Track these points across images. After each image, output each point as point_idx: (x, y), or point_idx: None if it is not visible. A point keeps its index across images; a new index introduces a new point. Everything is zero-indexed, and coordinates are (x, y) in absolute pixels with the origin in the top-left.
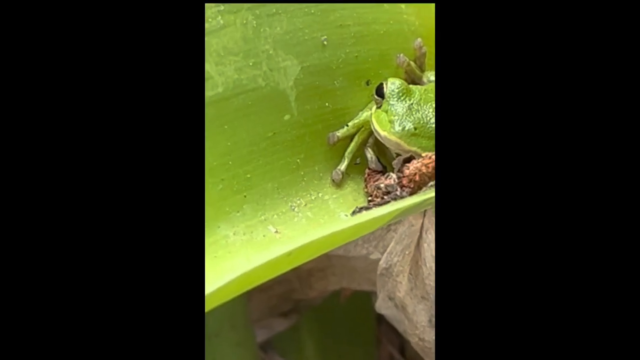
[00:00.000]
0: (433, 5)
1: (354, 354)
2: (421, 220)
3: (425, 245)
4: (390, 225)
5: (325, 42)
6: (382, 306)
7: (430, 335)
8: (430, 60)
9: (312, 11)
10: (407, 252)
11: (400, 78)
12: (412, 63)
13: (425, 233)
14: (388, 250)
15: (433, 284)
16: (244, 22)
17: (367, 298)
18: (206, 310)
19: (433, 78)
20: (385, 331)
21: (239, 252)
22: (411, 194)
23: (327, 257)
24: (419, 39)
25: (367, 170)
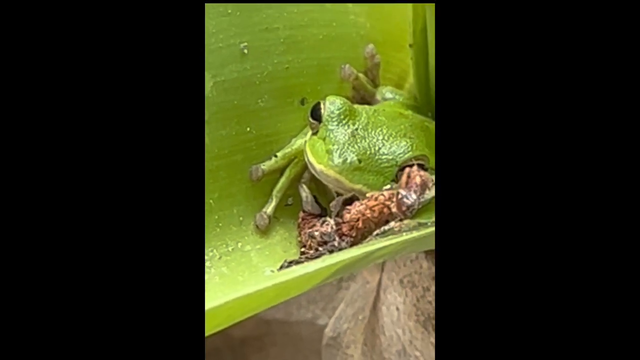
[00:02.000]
0: (388, 4)
1: None
2: (378, 277)
3: (384, 308)
4: (341, 281)
5: (245, 51)
6: None
7: None
8: (386, 72)
9: (229, 11)
10: (360, 317)
11: (346, 96)
12: (361, 76)
13: (384, 293)
14: (336, 314)
15: (393, 357)
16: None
17: None
18: None
19: (389, 95)
20: None
21: None
22: (353, 244)
23: (264, 322)
24: (371, 45)
25: (301, 214)
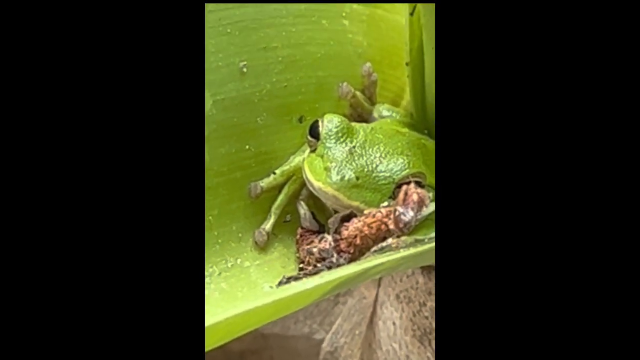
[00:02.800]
0: (389, 19)
1: None
2: (375, 292)
3: (381, 323)
4: (338, 296)
5: (244, 69)
6: None
7: None
8: (383, 89)
9: (228, 30)
10: (357, 332)
11: (343, 113)
12: (358, 94)
13: (381, 307)
14: (333, 329)
15: None
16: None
17: None
18: None
19: (386, 113)
20: None
21: None
22: (351, 260)
23: (261, 336)
24: (368, 64)
25: (299, 230)
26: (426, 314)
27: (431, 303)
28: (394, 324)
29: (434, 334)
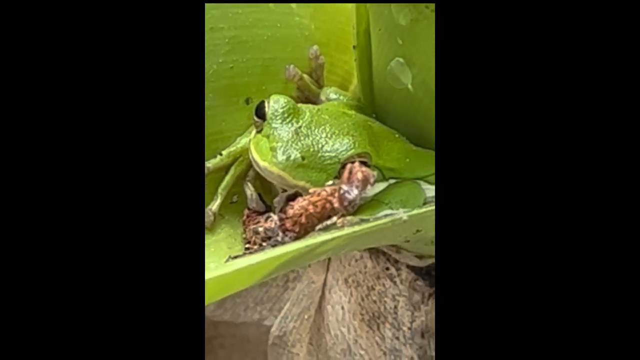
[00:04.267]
0: (332, 5)
1: None
2: (323, 276)
3: (329, 307)
4: (287, 282)
5: None
6: None
7: None
8: (330, 73)
9: None
10: (305, 317)
11: (290, 96)
12: (305, 76)
13: (329, 292)
14: (282, 313)
15: (339, 356)
16: None
17: None
18: None
19: (334, 96)
20: None
21: None
22: (296, 239)
23: (212, 324)
24: (315, 47)
25: (245, 211)
26: (374, 298)
27: (380, 287)
28: (342, 308)
29: (382, 318)
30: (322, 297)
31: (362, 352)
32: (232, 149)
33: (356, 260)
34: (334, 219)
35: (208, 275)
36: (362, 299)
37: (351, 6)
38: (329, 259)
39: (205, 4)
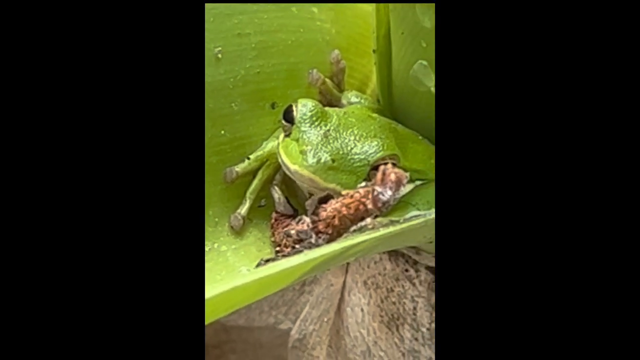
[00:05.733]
0: (356, 7)
1: None
2: (342, 279)
3: (349, 309)
4: (304, 286)
5: (219, 55)
6: None
7: None
8: (350, 77)
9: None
10: (325, 319)
11: (314, 99)
12: (328, 81)
13: (348, 294)
14: (302, 316)
15: (358, 358)
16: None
17: None
18: None
19: (354, 99)
20: None
21: None
22: (329, 241)
23: (224, 329)
24: (337, 51)
25: (274, 214)
26: (394, 299)
27: (399, 289)
28: (361, 310)
29: (401, 320)
30: (341, 299)
31: (382, 354)
32: (259, 153)
33: (375, 263)
34: (367, 220)
35: (243, 280)
36: (381, 301)
37: (371, 10)
38: (348, 262)
39: (233, 9)
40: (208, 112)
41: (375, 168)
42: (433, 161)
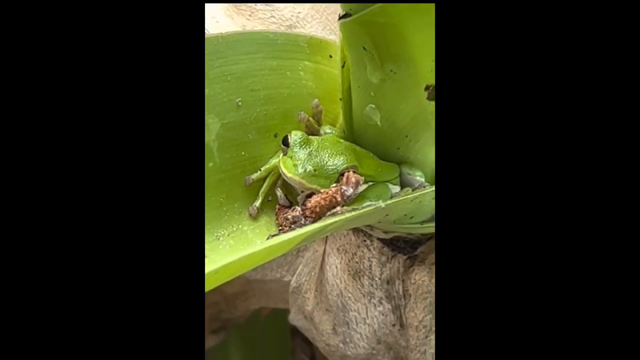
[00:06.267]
0: (328, 71)
1: None
2: (323, 247)
3: (327, 267)
4: (298, 251)
5: (239, 103)
6: (294, 319)
7: (334, 341)
8: (325, 117)
9: (228, 79)
10: (312, 274)
11: (302, 131)
12: (310, 119)
13: (327, 257)
14: (297, 272)
15: (335, 298)
16: None
17: (282, 314)
18: None
19: (328, 130)
20: (299, 342)
21: None
22: (313, 222)
23: (247, 281)
24: (316, 100)
25: (277, 206)
26: (356, 260)
27: (360, 253)
28: (336, 267)
29: (361, 273)
30: (323, 260)
31: (349, 295)
32: (267, 166)
33: (344, 236)
34: (338, 208)
35: (258, 247)
36: (349, 261)
37: (338, 72)
38: (327, 236)
39: (247, 73)
40: (233, 140)
41: (342, 174)
42: (380, 169)
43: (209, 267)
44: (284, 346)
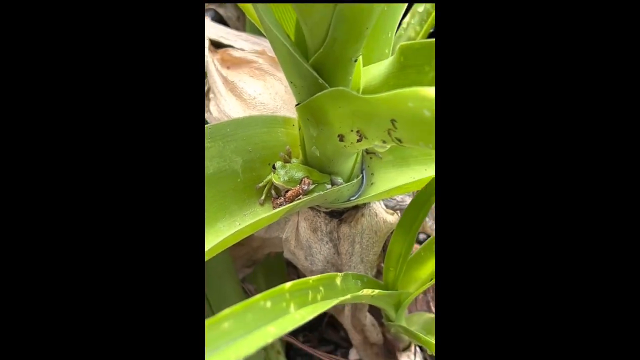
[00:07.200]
0: (293, 132)
1: (277, 280)
2: (297, 217)
3: (300, 227)
4: (286, 221)
5: (250, 150)
6: (286, 255)
7: (305, 263)
8: (292, 153)
9: (243, 138)
10: (292, 231)
11: (281, 161)
12: (286, 156)
13: (299, 222)
14: (285, 231)
15: (304, 242)
16: (219, 145)
17: (281, 254)
18: (213, 254)
19: (294, 160)
20: (290, 268)
21: (226, 231)
22: (289, 203)
23: (262, 239)
24: (288, 146)
25: (272, 198)
26: (313, 222)
27: (315, 219)
28: (304, 227)
29: (317, 230)
30: (297, 224)
31: (311, 240)
32: (266, 179)
33: (306, 211)
34: (301, 197)
35: (264, 215)
36: (310, 223)
37: (297, 132)
38: (298, 211)
39: (248, 140)
40: (249, 168)
41: (302, 180)
42: (321, 177)
43: (241, 227)
44: (282, 270)
